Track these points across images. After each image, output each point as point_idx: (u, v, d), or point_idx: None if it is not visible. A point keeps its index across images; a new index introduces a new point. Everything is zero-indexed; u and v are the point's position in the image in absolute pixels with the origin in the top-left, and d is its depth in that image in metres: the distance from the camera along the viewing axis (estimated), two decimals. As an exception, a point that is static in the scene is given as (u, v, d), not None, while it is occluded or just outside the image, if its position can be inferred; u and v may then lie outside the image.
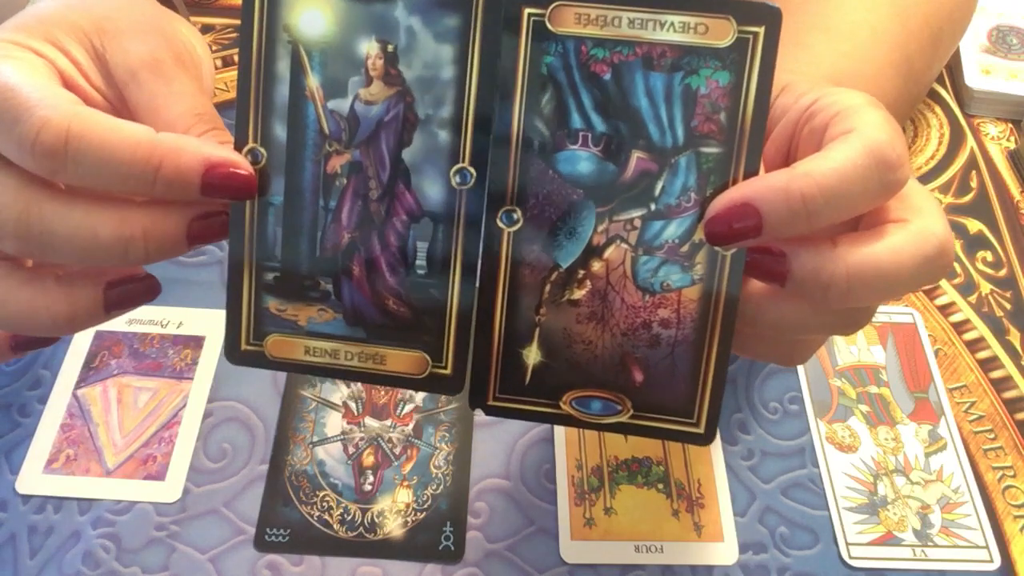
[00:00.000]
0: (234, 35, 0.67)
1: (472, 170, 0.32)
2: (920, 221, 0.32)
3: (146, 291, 0.34)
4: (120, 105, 0.35)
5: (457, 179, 0.32)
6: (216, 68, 0.65)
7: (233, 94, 0.62)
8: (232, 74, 0.65)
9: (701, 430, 0.34)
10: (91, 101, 0.34)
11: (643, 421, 0.34)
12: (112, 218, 0.30)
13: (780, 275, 0.31)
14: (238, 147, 0.32)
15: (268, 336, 0.34)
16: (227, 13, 0.69)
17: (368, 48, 0.32)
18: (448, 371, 0.34)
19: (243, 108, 0.32)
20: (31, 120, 0.29)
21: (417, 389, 0.35)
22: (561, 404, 0.34)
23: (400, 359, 0.34)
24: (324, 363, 0.34)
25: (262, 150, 0.33)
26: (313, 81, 0.32)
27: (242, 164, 0.32)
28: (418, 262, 0.33)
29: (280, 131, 0.32)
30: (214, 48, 0.66)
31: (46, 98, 0.30)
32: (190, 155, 0.30)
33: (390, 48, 0.32)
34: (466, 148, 0.32)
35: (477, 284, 0.33)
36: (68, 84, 0.34)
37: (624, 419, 0.34)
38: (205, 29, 0.68)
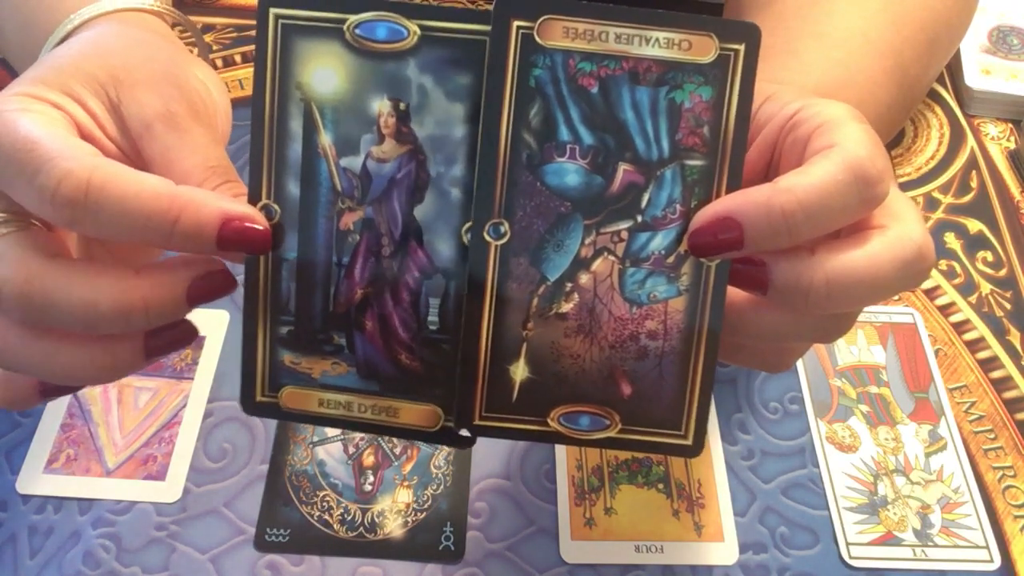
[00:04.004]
0: (234, 35, 0.67)
1: None
2: (898, 226, 0.32)
3: (184, 335, 0.34)
4: (135, 156, 0.35)
5: (469, 237, 0.32)
6: (217, 68, 0.65)
7: (235, 93, 0.62)
8: (233, 74, 0.65)
9: (689, 441, 0.34)
10: (107, 152, 0.35)
11: (631, 435, 0.34)
12: (112, 289, 0.31)
13: (761, 284, 0.32)
14: (251, 203, 0.33)
15: (283, 388, 0.34)
16: (227, 13, 0.69)
17: (380, 106, 0.32)
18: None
19: (256, 164, 0.33)
20: (52, 171, 0.30)
21: (429, 442, 0.35)
22: (549, 421, 0.34)
23: (413, 412, 0.34)
24: (338, 415, 0.34)
25: (276, 206, 0.33)
26: (326, 139, 0.32)
27: (258, 219, 0.32)
28: (430, 318, 0.33)
29: (293, 188, 0.33)
30: (215, 48, 0.66)
31: (67, 149, 0.30)
32: (208, 208, 0.31)
33: (402, 106, 0.32)
34: None
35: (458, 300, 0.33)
36: (85, 136, 0.34)
37: (613, 434, 0.34)
38: (205, 29, 0.68)
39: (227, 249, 0.32)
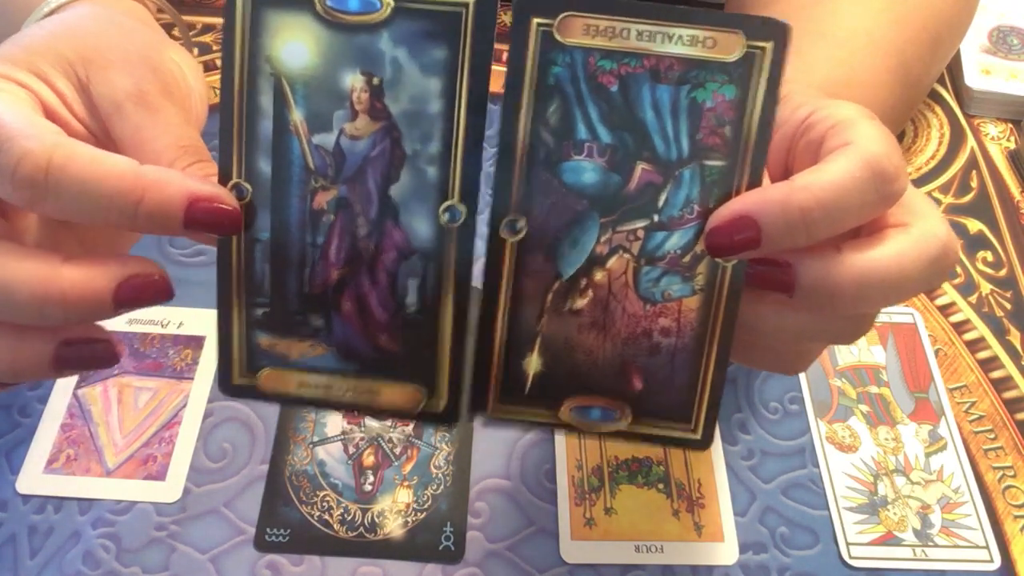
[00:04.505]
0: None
1: (462, 207, 0.32)
2: (921, 224, 0.32)
3: (100, 355, 0.32)
4: (104, 137, 0.34)
5: (446, 217, 0.32)
6: (217, 68, 0.65)
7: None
8: (232, 74, 0.64)
9: (698, 436, 0.34)
10: (75, 133, 0.34)
11: (641, 428, 0.34)
12: (32, 277, 0.29)
13: (787, 285, 0.31)
14: (222, 182, 0.32)
15: (261, 370, 0.34)
16: (227, 13, 0.69)
17: (353, 81, 0.31)
18: (443, 403, 0.34)
19: (226, 142, 0.32)
20: (12, 150, 0.29)
21: (412, 421, 0.34)
22: (560, 413, 0.34)
23: (394, 392, 0.34)
24: (317, 396, 0.34)
25: (247, 185, 0.32)
26: (297, 115, 0.31)
27: (227, 198, 0.31)
28: (409, 299, 0.33)
29: (265, 166, 0.32)
30: (214, 48, 0.66)
31: (28, 128, 0.30)
32: (174, 188, 0.30)
33: (375, 81, 0.31)
34: (455, 185, 0.32)
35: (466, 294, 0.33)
36: (52, 116, 0.33)
37: (623, 426, 0.34)
38: (205, 29, 0.68)
39: (195, 230, 0.31)
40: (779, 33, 0.31)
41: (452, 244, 0.32)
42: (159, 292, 0.31)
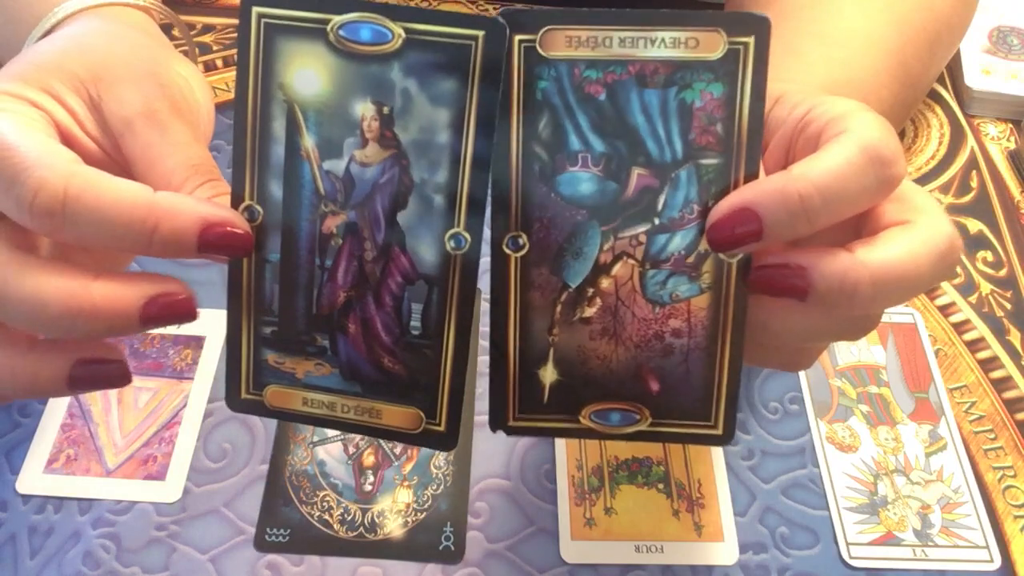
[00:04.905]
0: (235, 35, 0.67)
1: (467, 235, 0.32)
2: (926, 219, 0.32)
3: (114, 377, 0.33)
4: (116, 154, 0.35)
5: (451, 244, 0.32)
6: (217, 68, 0.65)
7: (234, 94, 0.62)
8: (233, 74, 0.64)
9: (719, 431, 0.34)
10: (87, 151, 0.34)
11: (662, 428, 0.34)
12: (64, 291, 0.30)
13: (801, 290, 0.31)
14: (235, 204, 0.33)
15: (267, 386, 0.35)
16: (228, 13, 0.69)
17: (363, 109, 0.32)
18: (442, 428, 0.34)
19: (239, 165, 0.33)
20: (28, 181, 0.29)
21: (411, 443, 0.35)
22: (580, 419, 0.34)
23: (395, 414, 0.34)
24: (322, 415, 0.35)
25: (259, 208, 0.33)
26: (308, 141, 0.32)
27: (238, 223, 0.32)
28: (413, 323, 0.33)
29: (276, 189, 0.33)
30: (215, 48, 0.66)
31: (43, 157, 0.30)
32: (187, 215, 0.31)
33: (385, 110, 0.32)
34: (461, 213, 0.32)
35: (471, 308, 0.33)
36: (64, 135, 0.34)
37: (643, 427, 0.34)
38: (206, 29, 0.68)
39: (209, 252, 0.31)
40: (759, 27, 0.31)
41: (456, 271, 0.32)
42: (184, 312, 0.32)
